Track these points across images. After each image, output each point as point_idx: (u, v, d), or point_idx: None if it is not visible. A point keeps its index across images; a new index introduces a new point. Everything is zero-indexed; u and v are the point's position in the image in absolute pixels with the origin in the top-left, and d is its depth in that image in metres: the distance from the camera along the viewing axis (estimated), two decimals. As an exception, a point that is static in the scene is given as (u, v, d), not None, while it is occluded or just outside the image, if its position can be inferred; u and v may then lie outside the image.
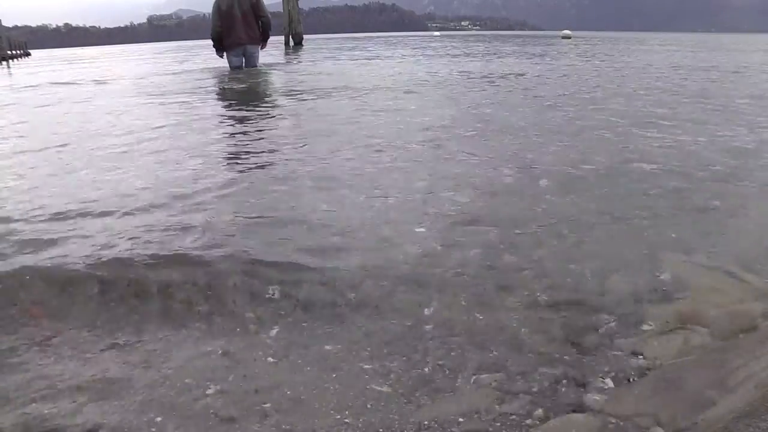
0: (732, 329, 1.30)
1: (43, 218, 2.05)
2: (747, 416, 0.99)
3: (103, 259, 1.67)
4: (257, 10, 8.53)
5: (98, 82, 8.04)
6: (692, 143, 3.07)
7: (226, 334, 1.36)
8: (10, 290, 1.55)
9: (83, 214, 2.08)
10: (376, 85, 6.34)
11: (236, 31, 8.41)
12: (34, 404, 1.11)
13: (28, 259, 1.69)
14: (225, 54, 8.67)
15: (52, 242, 1.82)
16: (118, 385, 1.18)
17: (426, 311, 1.43)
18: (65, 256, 1.71)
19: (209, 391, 1.15)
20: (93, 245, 1.78)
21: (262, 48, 8.91)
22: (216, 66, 9.60)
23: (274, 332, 1.37)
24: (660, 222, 1.93)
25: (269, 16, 8.76)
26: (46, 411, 1.09)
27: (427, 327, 1.37)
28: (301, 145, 3.23)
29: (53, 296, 1.53)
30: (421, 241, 1.78)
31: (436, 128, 3.56)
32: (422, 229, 1.88)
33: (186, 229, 1.90)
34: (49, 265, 1.65)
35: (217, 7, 8.40)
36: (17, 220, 2.04)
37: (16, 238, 1.87)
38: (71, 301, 1.52)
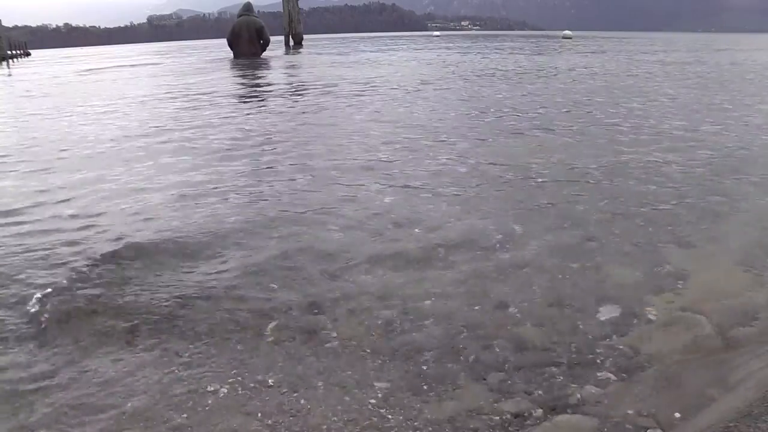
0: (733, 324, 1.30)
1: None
2: (747, 416, 0.98)
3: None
4: (260, 35, 13.24)
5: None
6: None
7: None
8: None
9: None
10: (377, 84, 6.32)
11: (241, 47, 13.18)
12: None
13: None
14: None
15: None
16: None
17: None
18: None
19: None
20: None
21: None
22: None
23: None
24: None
25: (269, 38, 13.60)
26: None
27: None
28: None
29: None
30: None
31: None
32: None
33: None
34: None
35: (233, 26, 13.28)
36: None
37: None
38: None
